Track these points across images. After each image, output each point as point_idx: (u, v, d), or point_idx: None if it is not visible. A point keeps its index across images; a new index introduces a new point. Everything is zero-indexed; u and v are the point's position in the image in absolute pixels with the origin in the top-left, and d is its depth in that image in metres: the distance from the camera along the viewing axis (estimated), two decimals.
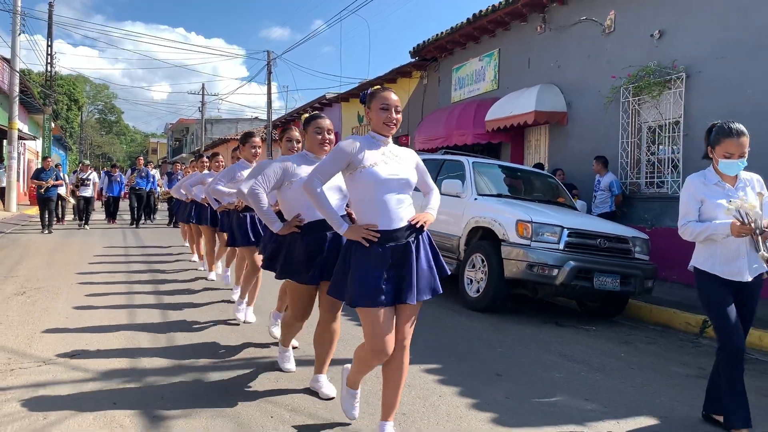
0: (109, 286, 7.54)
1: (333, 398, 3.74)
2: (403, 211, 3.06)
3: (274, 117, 29.81)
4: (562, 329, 6.29)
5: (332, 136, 3.87)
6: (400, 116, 3.16)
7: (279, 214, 4.08)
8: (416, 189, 3.24)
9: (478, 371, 4.54)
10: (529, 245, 6.37)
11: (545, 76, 11.77)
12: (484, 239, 6.96)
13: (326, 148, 3.82)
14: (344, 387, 3.40)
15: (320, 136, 3.80)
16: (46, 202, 14.57)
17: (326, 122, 3.86)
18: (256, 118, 50.65)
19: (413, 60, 16.41)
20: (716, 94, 8.38)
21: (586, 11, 10.71)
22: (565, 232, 6.44)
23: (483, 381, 4.30)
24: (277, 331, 5.04)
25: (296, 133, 4.62)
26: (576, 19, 10.92)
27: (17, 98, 21.15)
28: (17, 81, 20.91)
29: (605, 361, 5.09)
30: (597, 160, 9.83)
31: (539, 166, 11.39)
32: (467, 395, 3.97)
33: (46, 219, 14.52)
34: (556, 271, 6.25)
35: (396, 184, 3.06)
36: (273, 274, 3.96)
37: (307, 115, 3.92)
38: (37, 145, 32.37)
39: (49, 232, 14.26)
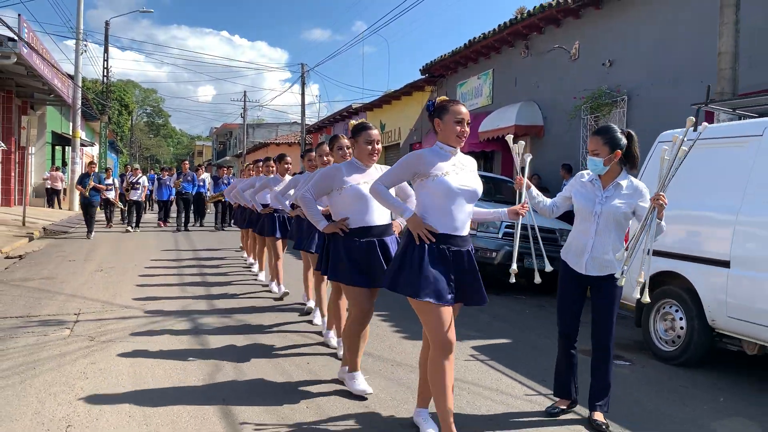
0: (164, 261, 9.92)
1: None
2: (466, 221, 3.22)
3: (311, 122, 32.35)
4: (497, 297, 8.32)
5: (380, 146, 4.06)
6: (468, 129, 3.29)
7: (328, 216, 4.38)
8: None
9: (416, 319, 6.64)
10: (476, 234, 8.42)
11: (528, 93, 13.73)
12: None
13: (375, 158, 4.06)
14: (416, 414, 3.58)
15: (370, 147, 3.98)
16: (87, 207, 14.25)
17: (376, 133, 4.04)
18: (295, 122, 53.21)
19: (424, 76, 18.47)
20: (650, 114, 10.24)
21: (558, 40, 12.63)
22: (504, 224, 8.48)
23: (415, 323, 6.40)
24: (332, 341, 5.28)
25: (346, 141, 4.75)
26: (550, 47, 12.85)
27: (80, 110, 23.86)
28: (80, 95, 23.59)
29: (510, 315, 7.13)
30: (563, 167, 11.76)
31: (522, 171, 13.37)
32: (402, 332, 6.05)
33: (91, 223, 14.22)
34: (494, 254, 8.30)
35: (466, 194, 3.19)
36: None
37: (355, 122, 4.10)
38: (93, 150, 35.45)
39: (88, 238, 13.89)
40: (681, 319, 5.09)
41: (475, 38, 14.87)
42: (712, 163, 5.06)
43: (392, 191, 3.64)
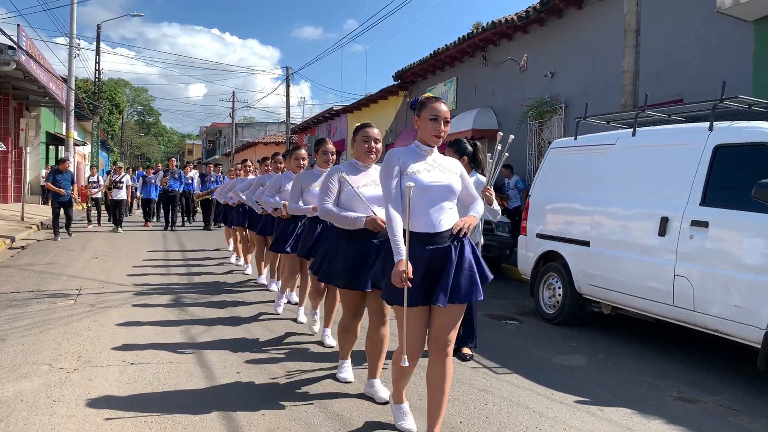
0: (153, 254, 11.22)
1: (388, 402, 3.78)
2: (445, 217, 3.12)
3: (300, 122, 33.61)
4: None
5: (379, 146, 3.93)
6: (448, 127, 3.18)
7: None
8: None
9: None
10: None
11: (486, 100, 15.11)
12: None
13: (372, 156, 3.94)
14: (392, 404, 3.57)
15: (367, 145, 3.89)
16: (61, 206, 13.49)
17: (374, 131, 3.91)
18: (283, 122, 54.38)
19: (397, 82, 19.82)
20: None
21: (510, 53, 14.01)
22: None
23: None
24: (316, 327, 5.52)
25: (331, 146, 4.97)
26: (504, 58, 14.23)
27: (73, 111, 25.01)
28: (73, 97, 24.73)
29: None
30: (505, 168, 13.12)
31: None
32: None
33: (59, 224, 13.51)
34: None
35: (438, 190, 3.11)
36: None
37: (358, 124, 4.01)
38: (85, 149, 36.58)
39: (66, 236, 13.62)
40: (559, 288, 6.45)
41: (439, 49, 16.23)
42: (585, 165, 6.42)
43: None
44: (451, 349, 3.14)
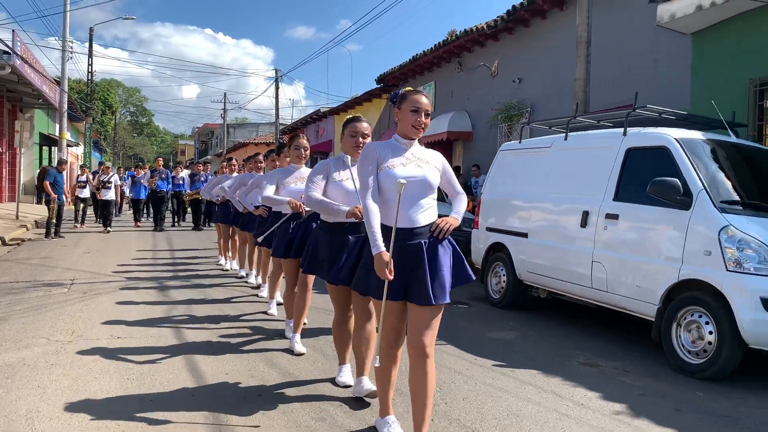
0: (142, 251, 11.93)
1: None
2: (419, 213, 3.06)
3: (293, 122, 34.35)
4: None
5: (368, 140, 3.86)
6: (428, 120, 3.12)
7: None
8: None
9: None
10: None
11: (461, 104, 15.87)
12: None
13: (360, 151, 3.76)
14: (377, 419, 3.44)
15: (354, 140, 3.84)
16: (58, 206, 13.78)
17: (362, 126, 3.87)
18: (274, 123, 55.07)
19: (380, 85, 20.57)
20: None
21: (483, 59, 14.77)
22: None
23: None
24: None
25: (304, 141, 5.01)
26: (477, 64, 14.99)
27: (66, 113, 25.64)
28: (66, 99, 25.36)
29: None
30: (474, 167, 13.90)
31: (457, 169, 15.49)
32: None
33: (53, 223, 13.72)
34: None
35: (413, 184, 3.03)
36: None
37: (348, 116, 3.99)
38: (78, 150, 37.17)
39: (55, 237, 13.67)
40: (504, 275, 7.20)
41: (418, 54, 16.99)
42: (527, 165, 7.18)
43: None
44: (430, 351, 3.02)
